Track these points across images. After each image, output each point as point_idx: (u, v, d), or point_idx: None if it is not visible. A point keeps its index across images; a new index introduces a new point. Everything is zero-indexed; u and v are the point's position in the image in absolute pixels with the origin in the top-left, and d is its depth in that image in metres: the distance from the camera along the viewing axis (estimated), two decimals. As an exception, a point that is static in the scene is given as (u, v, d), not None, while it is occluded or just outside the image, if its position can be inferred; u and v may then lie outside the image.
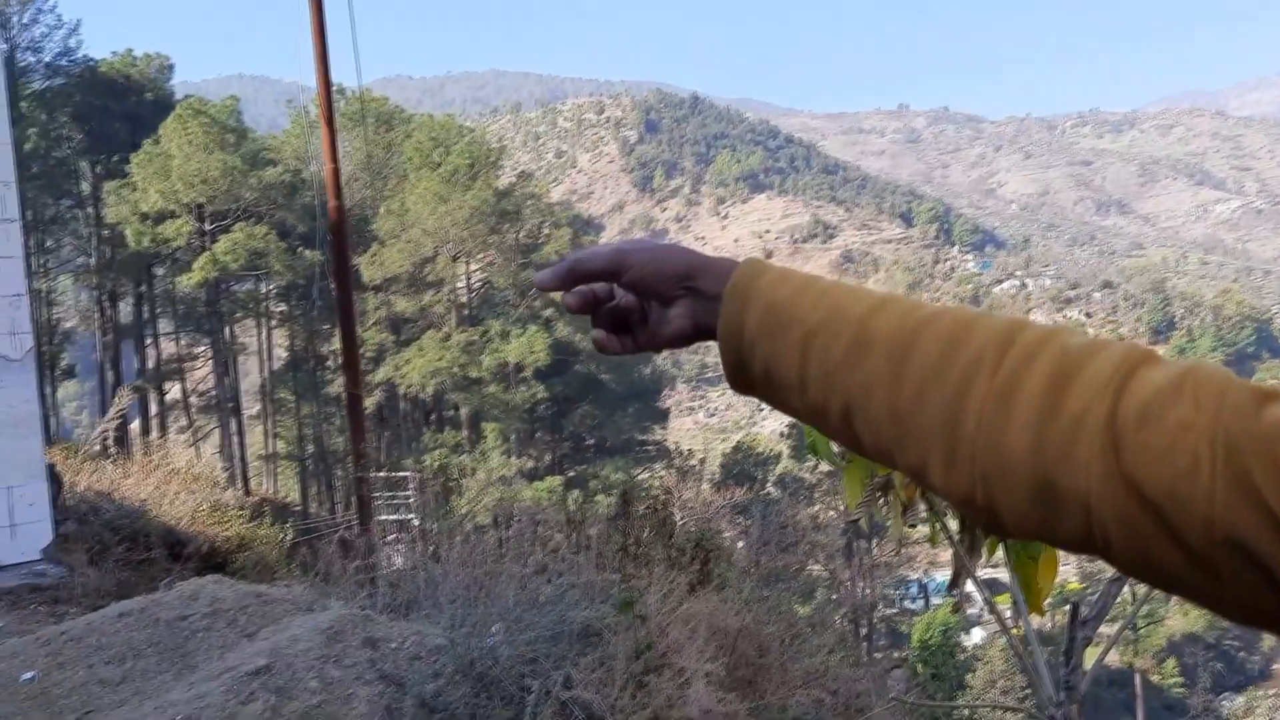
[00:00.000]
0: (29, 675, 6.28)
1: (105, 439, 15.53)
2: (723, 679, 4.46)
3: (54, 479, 10.01)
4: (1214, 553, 0.53)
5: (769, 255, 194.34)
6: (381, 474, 19.86)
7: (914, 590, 52.31)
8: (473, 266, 45.46)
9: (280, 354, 46.30)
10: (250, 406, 49.19)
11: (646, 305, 0.89)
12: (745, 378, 0.83)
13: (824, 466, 43.53)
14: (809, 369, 0.72)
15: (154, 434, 34.45)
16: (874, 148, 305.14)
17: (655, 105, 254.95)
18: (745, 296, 0.79)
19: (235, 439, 40.94)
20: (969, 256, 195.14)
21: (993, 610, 2.97)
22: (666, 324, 0.87)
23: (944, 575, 54.18)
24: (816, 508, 38.29)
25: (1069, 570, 48.13)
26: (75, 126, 39.43)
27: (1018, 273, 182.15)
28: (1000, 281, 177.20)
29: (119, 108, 40.01)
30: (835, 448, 2.69)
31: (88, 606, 8.44)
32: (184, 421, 42.44)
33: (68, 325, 43.44)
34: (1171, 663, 50.34)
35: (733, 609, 4.84)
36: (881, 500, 2.66)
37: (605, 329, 0.91)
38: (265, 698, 4.88)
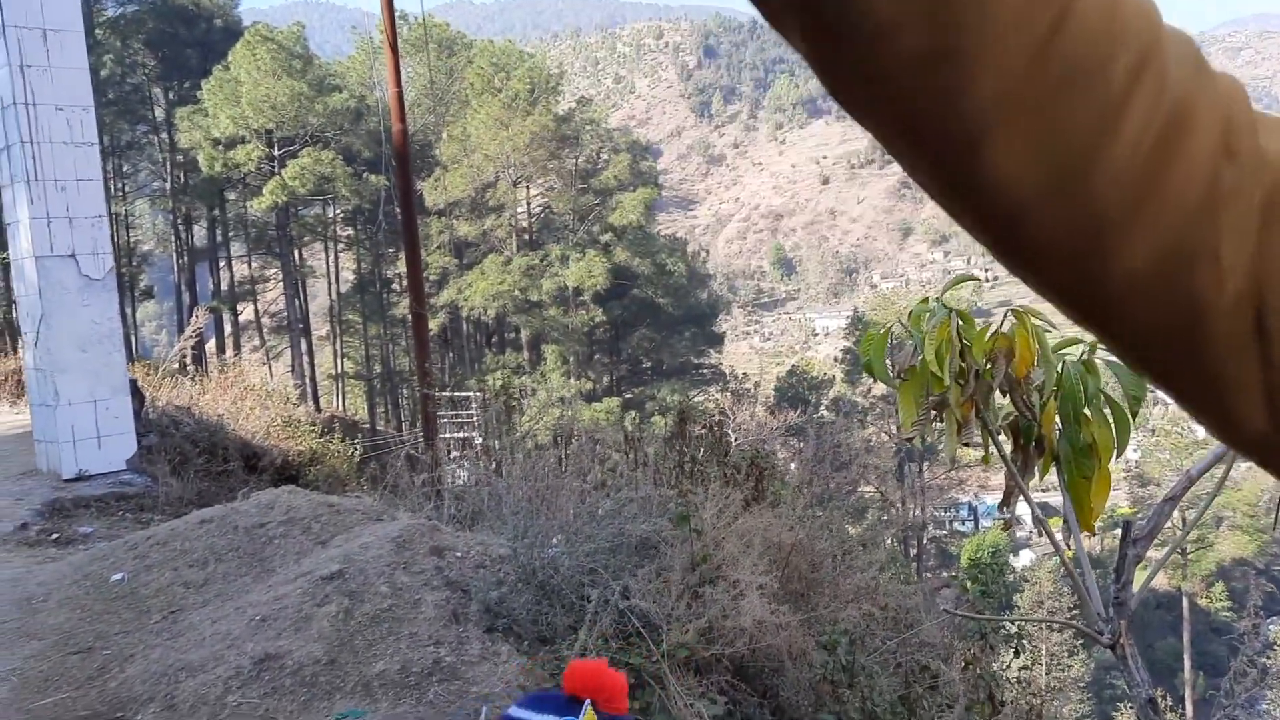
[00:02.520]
0: (119, 576, 6.66)
1: (183, 357, 16.07)
2: (776, 592, 4.59)
3: (137, 394, 10.43)
4: None
5: (826, 181, 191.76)
6: (445, 393, 20.27)
7: (964, 512, 52.41)
8: (533, 191, 45.58)
9: (347, 277, 47.10)
10: (319, 327, 50.25)
11: None
12: None
13: (877, 390, 43.42)
14: None
15: (228, 353, 35.39)
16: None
17: (714, 30, 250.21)
18: None
19: (305, 358, 41.96)
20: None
21: (1043, 526, 3.02)
22: None
23: (994, 498, 54.15)
24: (869, 430, 38.28)
25: (1119, 495, 47.68)
26: (148, 53, 39.99)
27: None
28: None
29: (190, 34, 40.48)
30: (890, 368, 2.75)
31: (170, 514, 8.85)
32: (256, 341, 43.56)
33: (145, 248, 44.63)
34: (1220, 587, 49.88)
35: (786, 525, 4.95)
36: (936, 419, 2.71)
37: None
38: (339, 601, 5.13)
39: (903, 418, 2.75)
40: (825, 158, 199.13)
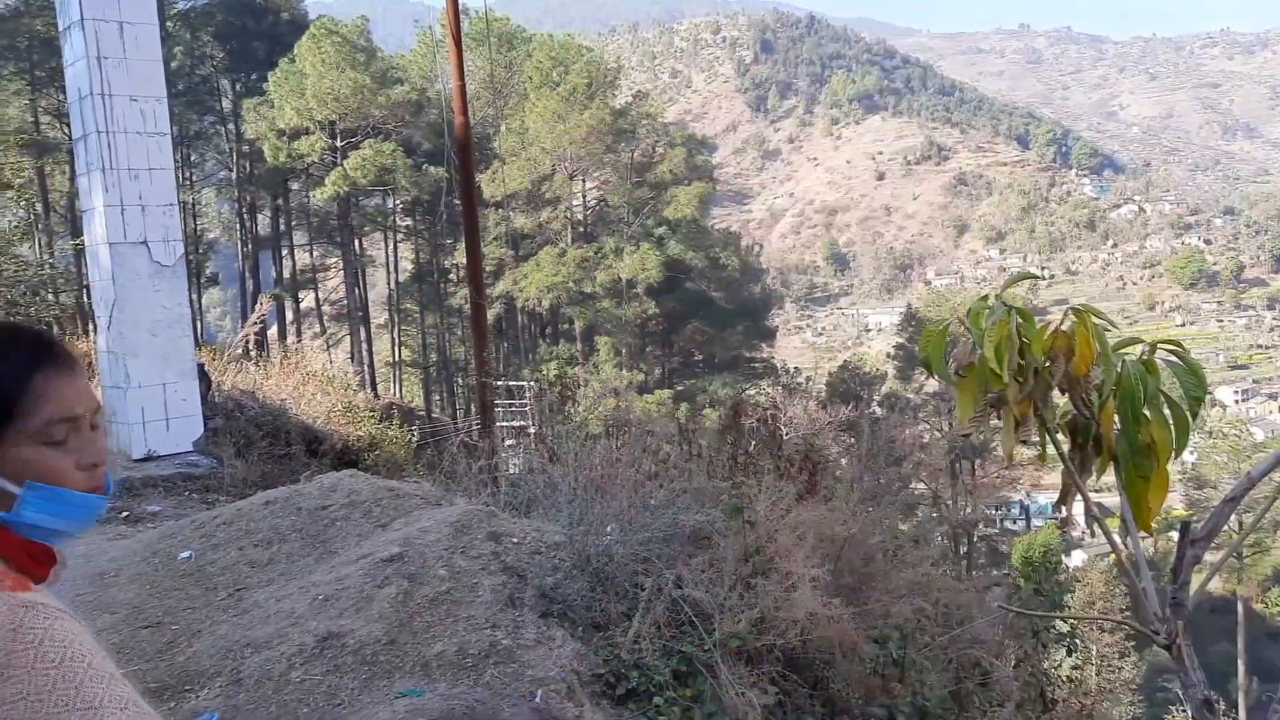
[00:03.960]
0: (186, 554, 6.88)
1: (247, 342, 16.43)
2: (828, 585, 4.62)
3: (204, 377, 10.71)
4: None
5: (881, 177, 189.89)
6: (500, 382, 20.48)
7: (1015, 511, 51.77)
8: (588, 184, 45.80)
9: (406, 266, 47.72)
10: (378, 316, 50.97)
11: None
12: None
13: (929, 387, 42.95)
14: None
15: (290, 339, 36.09)
16: (992, 68, 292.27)
17: (771, 25, 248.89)
18: None
19: (364, 346, 42.63)
20: (1086, 180, 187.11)
21: (1100, 525, 3.02)
22: None
23: (1046, 497, 53.44)
24: (921, 427, 37.96)
25: (1174, 498, 46.67)
26: (217, 45, 40.88)
27: (1136, 197, 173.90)
28: (1118, 206, 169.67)
29: (257, 27, 41.29)
30: (950, 364, 2.77)
31: (235, 495, 9.09)
32: (317, 328, 44.30)
33: (211, 236, 45.70)
34: (1276, 592, 48.69)
35: (839, 519, 4.97)
36: (994, 416, 2.73)
37: None
38: (399, 583, 5.26)
39: (960, 414, 2.77)
40: (881, 153, 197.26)
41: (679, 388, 43.50)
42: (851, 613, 4.61)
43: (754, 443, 6.42)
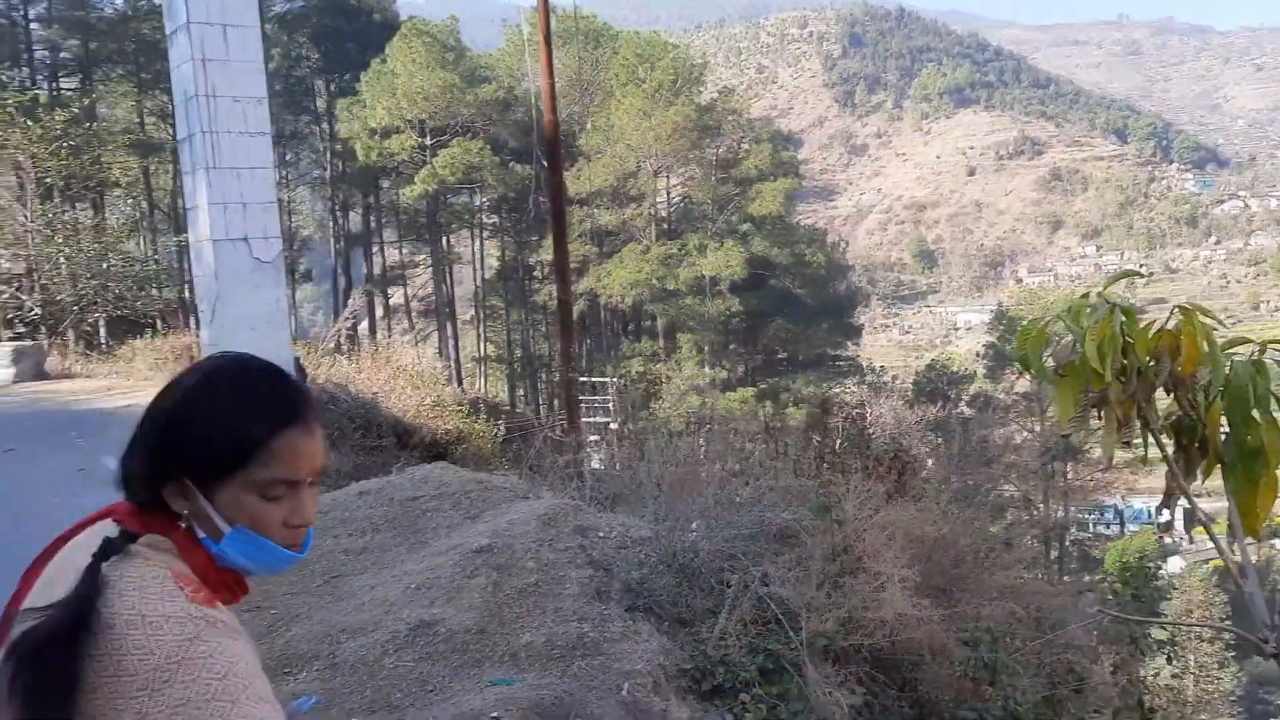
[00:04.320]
0: (284, 541, 7.10)
1: (340, 337, 16.85)
2: (918, 585, 4.57)
3: (300, 371, 11.02)
4: None
5: (972, 172, 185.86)
6: (584, 379, 20.64)
7: (1109, 515, 50.22)
8: (673, 181, 45.78)
9: (491, 264, 48.38)
10: (464, 312, 51.78)
11: None
12: None
13: (1020, 387, 41.90)
14: None
15: (379, 334, 36.91)
16: (1089, 60, 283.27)
17: (860, 19, 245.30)
18: None
19: (451, 342, 43.36)
20: (1188, 175, 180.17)
21: (1206, 529, 2.93)
22: None
23: (1142, 502, 51.69)
24: (1011, 428, 37.08)
25: (1281, 503, 44.62)
26: (312, 47, 42.01)
27: (1241, 193, 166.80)
28: (1221, 202, 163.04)
29: (350, 28, 42.30)
30: (1049, 361, 2.72)
31: (329, 486, 9.34)
32: (405, 324, 45.22)
33: (305, 233, 47.01)
34: (1393, 601, 46.18)
35: (929, 519, 4.91)
36: (1095, 416, 2.67)
37: None
38: (488, 574, 5.36)
39: (1060, 414, 2.73)
40: (972, 148, 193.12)
41: (761, 386, 43.24)
42: (941, 614, 4.55)
43: (841, 441, 6.38)
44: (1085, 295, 2.70)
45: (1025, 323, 2.85)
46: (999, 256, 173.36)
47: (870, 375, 47.26)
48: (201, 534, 1.24)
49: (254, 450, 1.21)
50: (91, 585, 1.14)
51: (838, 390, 37.31)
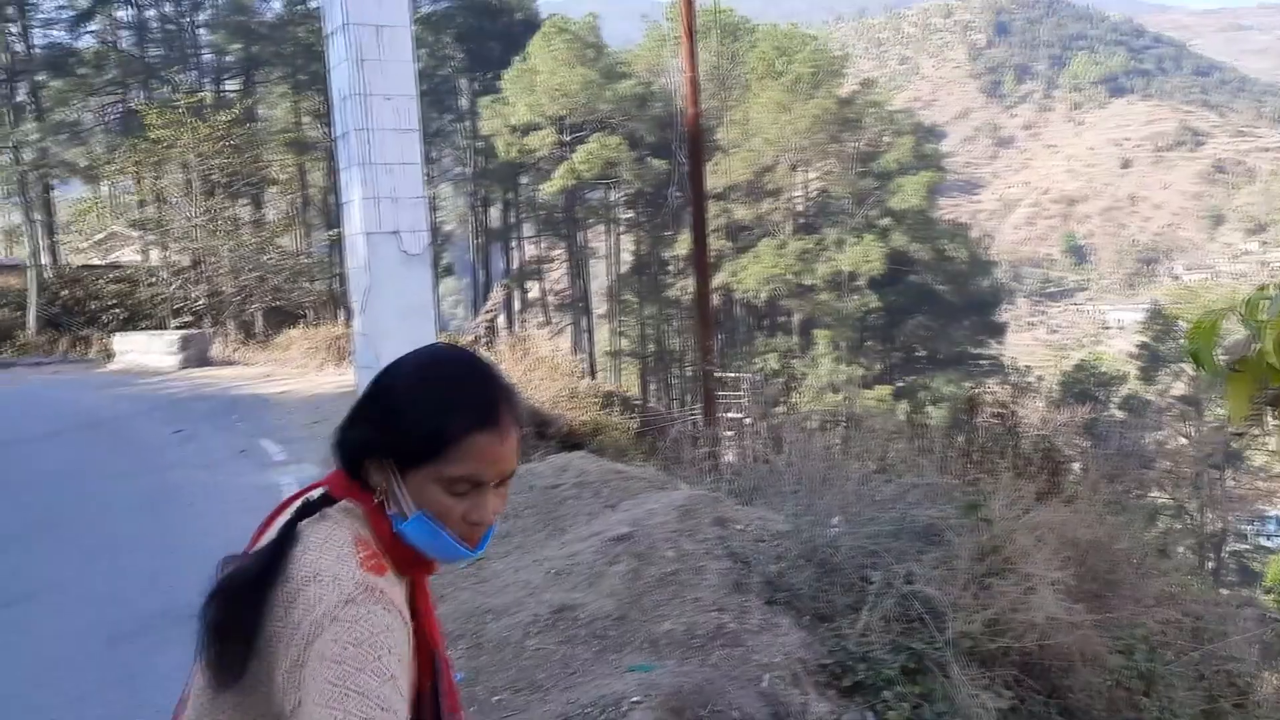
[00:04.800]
0: (431, 523, 7.36)
1: (482, 329, 17.30)
2: (1070, 589, 4.41)
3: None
4: None
5: (1126, 165, 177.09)
6: (719, 374, 20.63)
7: (1271, 527, 47.22)
8: (810, 175, 45.24)
9: (626, 258, 48.83)
10: (598, 306, 52.44)
11: None
12: None
13: (1176, 390, 39.73)
14: None
15: (516, 327, 37.74)
16: (1254, 46, 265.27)
17: (1007, 6, 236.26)
18: None
19: (585, 336, 43.99)
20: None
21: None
22: None
23: (1311, 512, 48.16)
24: (1164, 432, 35.26)
25: None
26: (457, 46, 43.29)
27: None
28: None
29: (493, 27, 43.42)
30: (1221, 356, 2.59)
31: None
32: (541, 318, 46.12)
33: (447, 228, 48.48)
34: None
35: (1083, 521, 4.73)
36: (1272, 415, 2.54)
37: None
38: (628, 561, 5.42)
39: (1232, 412, 2.60)
40: (1127, 139, 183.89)
41: (899, 384, 42.38)
42: (1094, 620, 4.38)
43: (988, 440, 6.20)
44: (1263, 288, 2.57)
45: (1199, 316, 2.73)
46: (1154, 253, 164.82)
47: (1014, 374, 45.68)
48: (391, 510, 1.31)
49: (446, 447, 1.26)
50: (284, 539, 1.25)
51: (979, 389, 36.19)
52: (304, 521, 1.28)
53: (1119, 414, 35.35)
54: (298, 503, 1.35)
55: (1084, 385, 41.97)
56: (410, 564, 1.34)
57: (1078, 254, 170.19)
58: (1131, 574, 4.94)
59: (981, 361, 46.64)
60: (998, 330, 50.11)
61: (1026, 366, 54.40)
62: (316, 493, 1.35)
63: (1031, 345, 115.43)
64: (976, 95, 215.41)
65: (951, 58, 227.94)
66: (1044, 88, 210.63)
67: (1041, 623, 4.21)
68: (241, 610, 1.20)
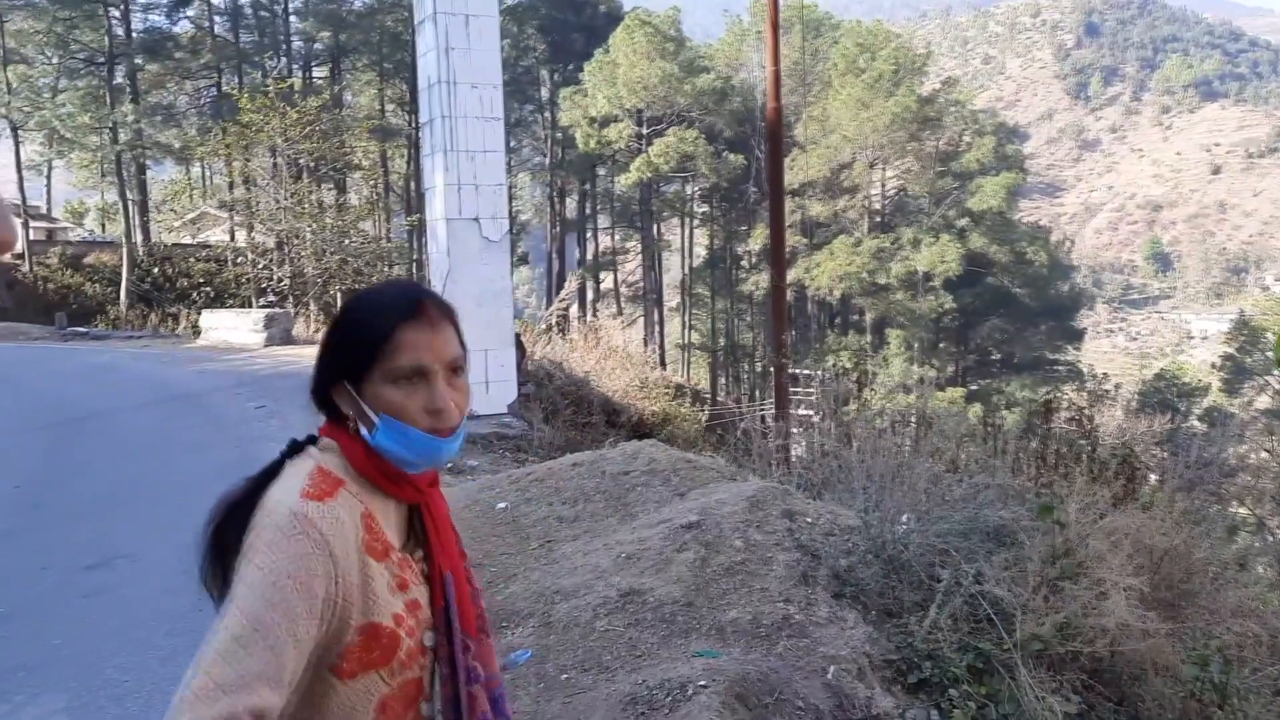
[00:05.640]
0: (502, 505, 7.50)
1: (556, 317, 17.47)
2: (1144, 596, 4.35)
3: (520, 347, 11.55)
4: None
5: (1216, 171, 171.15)
6: (798, 371, 20.56)
7: (1357, 545, 45.47)
8: (888, 173, 44.70)
9: (699, 252, 48.80)
10: (670, 299, 52.50)
11: None
12: None
13: (1260, 403, 38.35)
14: None
15: (588, 318, 38.00)
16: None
17: (1098, 7, 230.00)
18: None
19: (656, 328, 44.12)
20: None
21: None
22: None
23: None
24: (1245, 446, 34.13)
25: None
26: (539, 38, 43.68)
27: None
28: None
29: (576, 20, 43.74)
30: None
31: (543, 456, 9.77)
32: (614, 309, 46.36)
33: (524, 218, 48.98)
34: None
35: (1160, 529, 4.66)
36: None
37: None
38: (696, 549, 5.47)
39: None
40: (1218, 145, 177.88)
41: (972, 387, 41.72)
42: (1168, 629, 4.32)
43: (1063, 445, 6.12)
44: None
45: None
46: (1243, 262, 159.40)
47: (1091, 381, 44.66)
48: (364, 431, 1.41)
49: (381, 345, 1.38)
50: (265, 472, 1.39)
51: (1054, 395, 35.43)
52: (290, 460, 1.41)
53: (1199, 425, 34.36)
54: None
55: (1164, 395, 40.90)
56: (398, 480, 1.42)
57: (1162, 261, 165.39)
58: (1208, 584, 4.86)
59: (1058, 367, 45.70)
60: (1076, 336, 49.03)
61: (1104, 374, 53.16)
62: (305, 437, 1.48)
63: (1110, 353, 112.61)
64: (1061, 96, 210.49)
65: (1038, 57, 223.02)
66: (1132, 90, 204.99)
67: (1113, 629, 4.17)
68: (225, 526, 1.35)
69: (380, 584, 1.33)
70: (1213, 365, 53.33)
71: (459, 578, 1.49)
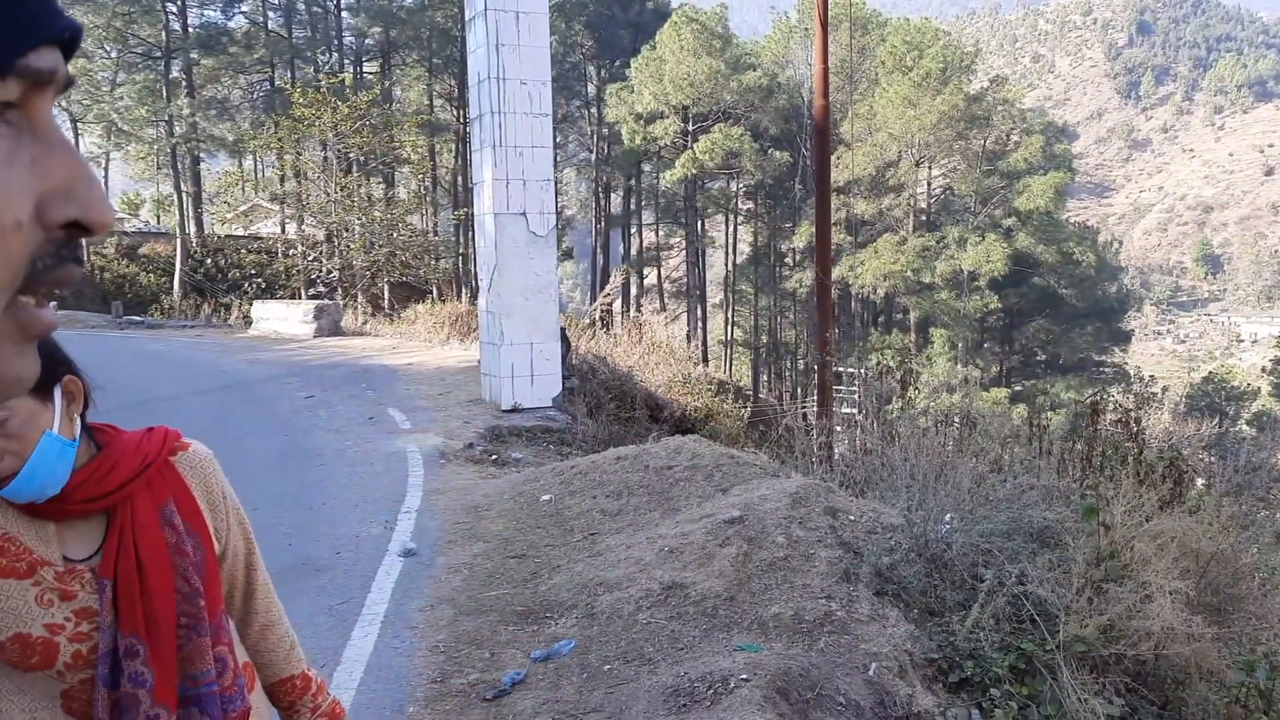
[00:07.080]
0: (547, 497, 7.60)
1: (600, 312, 17.56)
2: (1189, 600, 4.34)
3: (564, 341, 11.65)
4: None
5: (1270, 172, 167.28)
6: (843, 369, 20.47)
7: None
8: (935, 172, 44.30)
9: (743, 249, 48.71)
10: (714, 295, 52.45)
11: None
12: None
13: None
14: None
15: (632, 313, 38.11)
16: None
17: (1150, 5, 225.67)
18: None
19: (699, 324, 44.12)
20: None
21: None
22: None
23: None
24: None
25: None
26: (587, 34, 43.84)
27: None
28: None
29: (624, 16, 43.84)
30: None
31: (586, 450, 9.86)
32: (657, 304, 46.41)
33: (569, 213, 49.22)
34: None
35: (1207, 533, 4.63)
36: None
37: None
38: (739, 544, 5.52)
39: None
40: (1271, 145, 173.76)
41: (1017, 387, 41.25)
42: (1213, 633, 4.31)
43: (1109, 447, 6.08)
44: None
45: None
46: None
47: (1138, 384, 44.02)
48: None
49: None
50: None
51: (1100, 398, 34.94)
52: None
53: (1248, 430, 33.75)
54: None
55: (1212, 399, 40.20)
56: (30, 505, 1.42)
57: (1212, 263, 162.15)
58: (1255, 590, 4.82)
59: (1104, 369, 45.07)
60: (1123, 338, 48.32)
61: (1151, 377, 52.36)
62: None
63: (1158, 355, 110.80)
64: (1111, 96, 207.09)
65: (1088, 56, 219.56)
66: (1184, 90, 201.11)
67: (1158, 632, 4.16)
68: None
69: (21, 600, 1.35)
70: (1263, 369, 52.34)
71: (152, 577, 1.44)
